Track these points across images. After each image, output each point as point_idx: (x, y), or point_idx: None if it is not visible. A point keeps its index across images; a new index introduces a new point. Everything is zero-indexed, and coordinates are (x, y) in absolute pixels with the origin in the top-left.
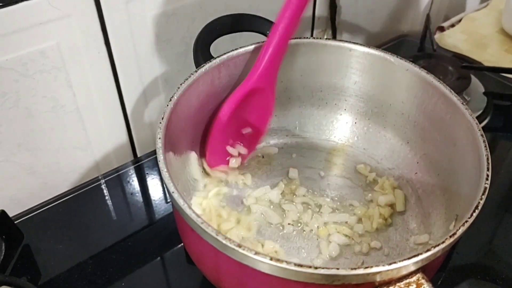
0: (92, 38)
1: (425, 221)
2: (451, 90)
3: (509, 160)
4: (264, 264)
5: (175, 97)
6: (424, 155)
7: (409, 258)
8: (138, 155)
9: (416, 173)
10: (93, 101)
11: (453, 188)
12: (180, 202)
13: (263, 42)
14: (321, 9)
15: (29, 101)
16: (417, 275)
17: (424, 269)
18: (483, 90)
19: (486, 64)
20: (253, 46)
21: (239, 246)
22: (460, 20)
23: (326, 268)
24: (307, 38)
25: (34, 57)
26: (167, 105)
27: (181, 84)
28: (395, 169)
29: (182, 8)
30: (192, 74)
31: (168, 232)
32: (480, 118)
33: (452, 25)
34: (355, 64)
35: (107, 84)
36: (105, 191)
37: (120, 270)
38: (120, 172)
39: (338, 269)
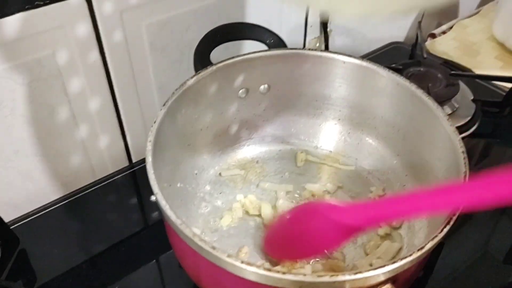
0: (87, 47)
1: (409, 233)
2: (438, 106)
3: (505, 162)
4: (235, 267)
5: (169, 102)
6: (412, 168)
7: (375, 269)
8: (133, 161)
9: (405, 185)
10: (88, 108)
11: None
12: (163, 203)
13: (262, 51)
14: (314, 16)
15: (26, 109)
16: (386, 286)
17: (394, 280)
18: (472, 97)
19: (476, 70)
20: (250, 55)
21: (213, 248)
22: (451, 27)
23: (294, 274)
24: (301, 49)
25: (30, 66)
26: (161, 110)
27: (176, 90)
28: (385, 180)
29: (176, 17)
30: (188, 80)
31: (162, 237)
32: (468, 125)
33: (444, 32)
34: (348, 76)
35: (102, 92)
36: (101, 196)
37: (115, 273)
38: (115, 178)
39: (304, 275)
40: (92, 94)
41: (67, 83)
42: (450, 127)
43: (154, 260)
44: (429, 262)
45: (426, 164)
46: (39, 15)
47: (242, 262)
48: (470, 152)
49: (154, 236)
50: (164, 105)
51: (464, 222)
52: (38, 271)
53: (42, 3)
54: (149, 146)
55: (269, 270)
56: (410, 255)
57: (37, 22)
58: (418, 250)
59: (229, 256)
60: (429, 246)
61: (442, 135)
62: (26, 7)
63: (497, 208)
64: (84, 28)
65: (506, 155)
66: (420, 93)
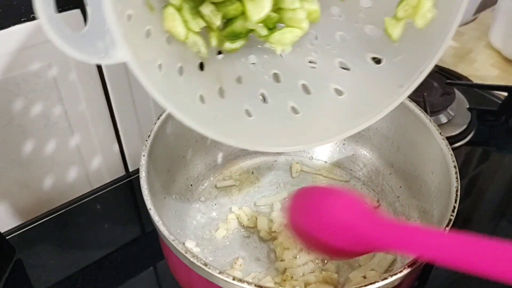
0: None
1: None
2: (431, 119)
3: (501, 170)
4: (227, 283)
5: (163, 115)
6: (406, 180)
7: (365, 286)
8: (130, 170)
9: (399, 196)
10: (84, 118)
11: (430, 214)
12: (156, 219)
13: None
14: None
15: (22, 119)
16: None
17: None
18: (468, 106)
19: (473, 78)
20: None
21: (205, 264)
22: None
23: None
24: None
25: (27, 78)
26: (155, 123)
27: None
28: (379, 191)
29: None
30: None
31: (158, 246)
32: (464, 133)
33: None
34: None
35: (98, 102)
36: (97, 206)
37: (111, 282)
38: (112, 187)
39: None
40: (88, 104)
41: (64, 94)
42: (443, 141)
43: (151, 269)
44: (423, 272)
45: (419, 176)
46: (35, 27)
47: (234, 278)
48: (466, 160)
49: (150, 245)
50: (158, 118)
51: (462, 227)
52: (34, 281)
53: None
54: (143, 161)
55: (259, 286)
56: (401, 271)
57: (33, 34)
58: (409, 266)
59: (220, 272)
60: (420, 261)
61: (435, 149)
62: (22, 19)
63: (497, 211)
64: None
65: (502, 163)
66: (413, 106)
